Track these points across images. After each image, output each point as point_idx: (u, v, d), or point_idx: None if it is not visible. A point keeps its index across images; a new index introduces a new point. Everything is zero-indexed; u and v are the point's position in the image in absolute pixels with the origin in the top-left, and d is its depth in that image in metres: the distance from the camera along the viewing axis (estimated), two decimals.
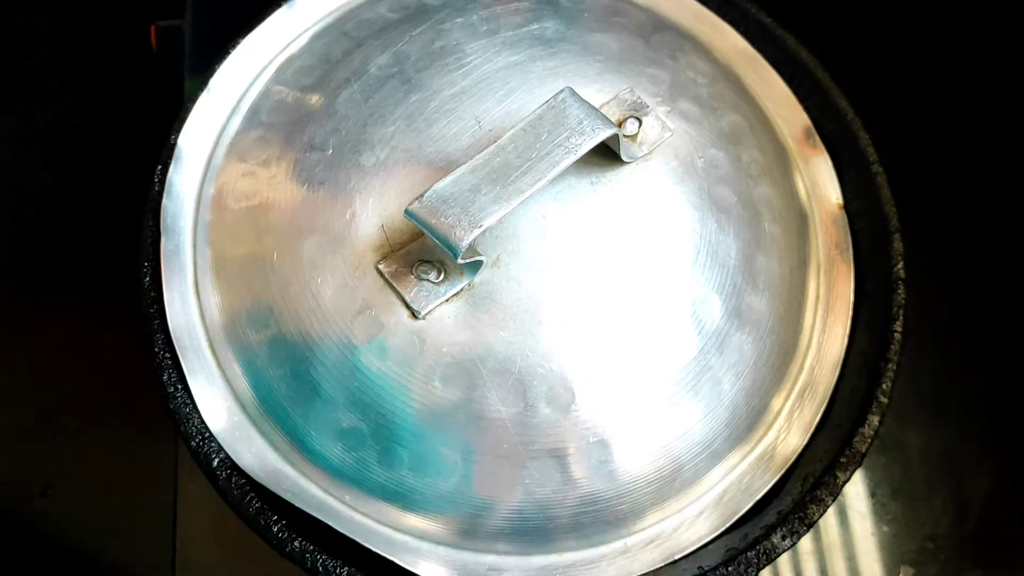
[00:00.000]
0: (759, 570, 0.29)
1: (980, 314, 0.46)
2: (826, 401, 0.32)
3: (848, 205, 0.35)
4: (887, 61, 0.49)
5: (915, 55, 0.50)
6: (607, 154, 0.30)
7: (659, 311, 0.29)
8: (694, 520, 0.30)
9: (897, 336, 0.32)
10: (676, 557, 0.29)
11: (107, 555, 0.45)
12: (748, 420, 0.30)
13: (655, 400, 0.29)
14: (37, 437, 0.48)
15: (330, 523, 0.28)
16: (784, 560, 0.41)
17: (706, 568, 0.29)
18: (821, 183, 0.35)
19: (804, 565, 0.41)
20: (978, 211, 0.48)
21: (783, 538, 0.29)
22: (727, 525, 0.30)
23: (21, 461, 0.48)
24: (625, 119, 0.31)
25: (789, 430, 0.31)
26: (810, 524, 0.30)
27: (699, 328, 0.29)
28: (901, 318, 0.32)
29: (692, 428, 0.29)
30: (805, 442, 0.31)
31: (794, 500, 0.30)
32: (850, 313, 0.33)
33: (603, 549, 0.29)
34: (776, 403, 0.31)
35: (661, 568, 0.29)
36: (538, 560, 0.29)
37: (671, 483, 0.29)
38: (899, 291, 0.33)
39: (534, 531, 0.29)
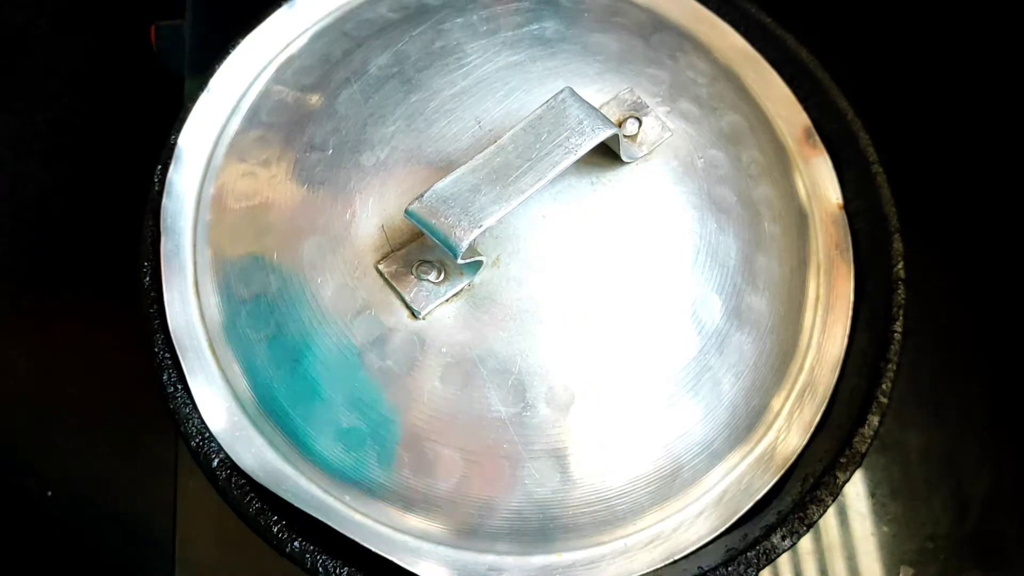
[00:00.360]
0: (759, 570, 0.29)
1: (980, 314, 0.46)
2: (826, 401, 0.32)
3: (848, 205, 0.35)
4: (887, 61, 0.49)
5: (915, 55, 0.50)
6: (607, 154, 0.30)
7: (659, 311, 0.29)
8: (694, 520, 0.30)
9: (897, 336, 0.32)
10: (676, 557, 0.29)
11: (107, 555, 0.45)
12: (748, 420, 0.30)
13: (655, 400, 0.29)
14: (37, 437, 0.48)
15: (330, 523, 0.28)
16: (784, 560, 0.41)
17: (706, 568, 0.29)
18: (821, 183, 0.35)
19: (804, 565, 0.41)
20: (978, 211, 0.48)
21: (783, 538, 0.29)
22: (727, 525, 0.30)
23: (21, 461, 0.48)
24: (625, 119, 0.31)
25: (789, 430, 0.31)
26: (810, 524, 0.30)
27: (699, 328, 0.29)
28: (901, 318, 0.32)
29: (692, 428, 0.29)
30: (805, 442, 0.31)
31: (794, 500, 0.30)
32: (850, 313, 0.33)
33: (603, 549, 0.29)
34: (776, 403, 0.31)
35: (661, 568, 0.29)
36: (538, 560, 0.29)
37: (671, 483, 0.29)
38: (899, 291, 0.33)
39: (534, 531, 0.29)
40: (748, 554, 0.29)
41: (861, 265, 0.34)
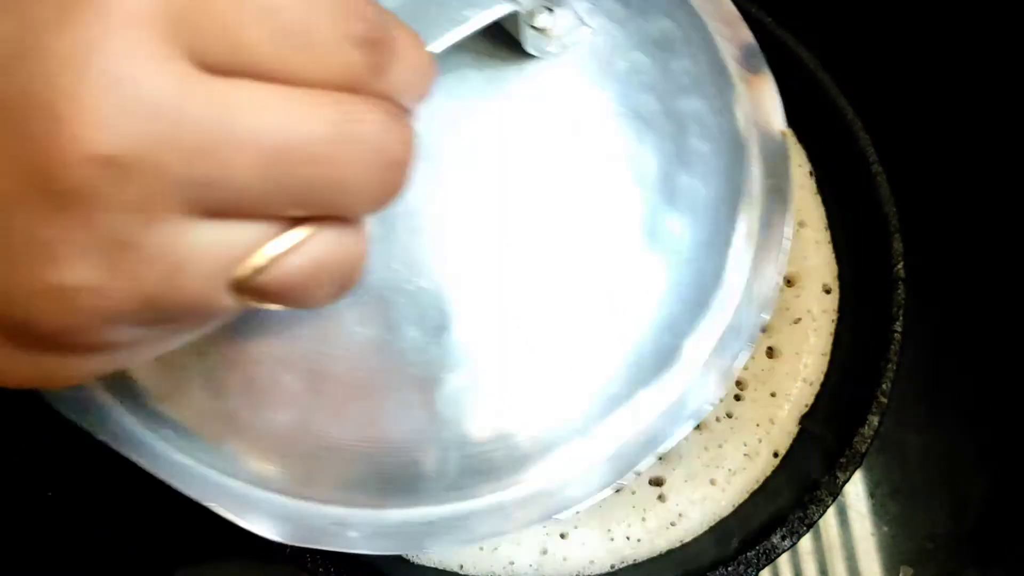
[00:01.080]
0: (759, 570, 0.29)
1: (979, 313, 0.46)
2: (750, 345, 0.27)
3: (848, 205, 0.35)
4: (887, 61, 0.49)
5: (915, 55, 0.50)
6: (515, 47, 0.25)
7: (556, 227, 0.24)
8: (583, 474, 0.25)
9: (897, 336, 0.32)
10: (558, 516, 0.25)
11: (107, 556, 0.45)
12: (655, 361, 0.25)
13: (544, 331, 0.24)
14: (37, 437, 0.48)
15: (141, 462, 0.24)
16: (784, 560, 0.41)
17: (705, 568, 0.29)
18: (763, 109, 0.30)
19: (804, 565, 0.41)
20: (978, 211, 0.48)
21: (783, 538, 0.29)
22: (619, 480, 0.25)
23: (21, 461, 0.48)
24: (536, 8, 0.25)
25: (706, 376, 0.26)
26: (810, 524, 0.30)
27: (602, 249, 0.25)
28: (901, 318, 0.32)
29: (587, 366, 0.24)
30: (724, 392, 0.26)
31: (794, 500, 0.30)
32: (782, 251, 0.28)
33: (473, 504, 0.25)
34: (690, 344, 0.26)
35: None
36: (394, 515, 0.24)
37: (557, 429, 0.25)
38: (899, 291, 0.33)
39: (391, 479, 0.24)
40: (748, 554, 0.29)
41: (861, 265, 0.34)
